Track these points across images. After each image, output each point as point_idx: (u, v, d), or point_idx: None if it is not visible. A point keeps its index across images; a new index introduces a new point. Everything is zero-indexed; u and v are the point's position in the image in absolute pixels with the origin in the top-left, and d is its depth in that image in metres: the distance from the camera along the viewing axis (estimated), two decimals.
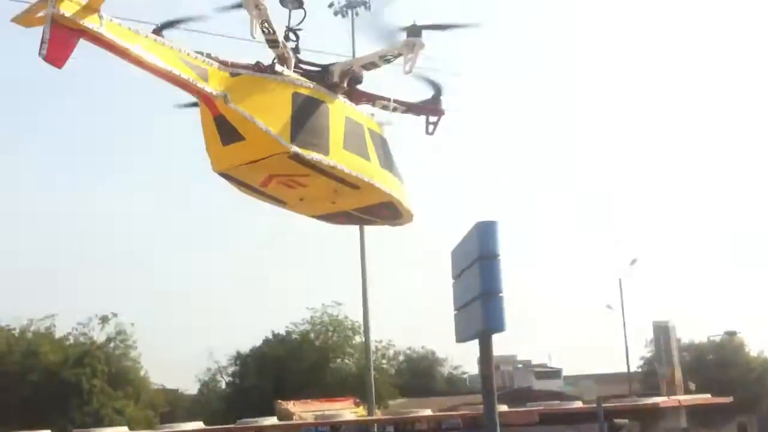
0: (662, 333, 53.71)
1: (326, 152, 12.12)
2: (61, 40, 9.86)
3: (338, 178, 12.51)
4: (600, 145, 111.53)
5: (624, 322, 53.57)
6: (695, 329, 79.27)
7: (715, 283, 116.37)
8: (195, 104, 12.44)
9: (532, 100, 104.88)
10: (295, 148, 11.69)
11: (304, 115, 11.94)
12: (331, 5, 30.26)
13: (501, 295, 6.82)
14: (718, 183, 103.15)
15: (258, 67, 12.12)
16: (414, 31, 12.57)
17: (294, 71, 12.66)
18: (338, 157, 12.32)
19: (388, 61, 13.07)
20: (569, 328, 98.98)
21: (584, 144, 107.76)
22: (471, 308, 7.28)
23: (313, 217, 14.05)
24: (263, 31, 11.95)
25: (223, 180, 12.68)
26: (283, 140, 11.65)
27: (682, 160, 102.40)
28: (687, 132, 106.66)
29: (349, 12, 28.50)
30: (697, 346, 69.49)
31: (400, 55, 12.99)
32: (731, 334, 67.88)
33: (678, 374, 49.20)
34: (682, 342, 62.51)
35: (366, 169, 12.88)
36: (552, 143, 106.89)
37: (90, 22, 10.07)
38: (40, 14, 9.90)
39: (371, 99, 13.56)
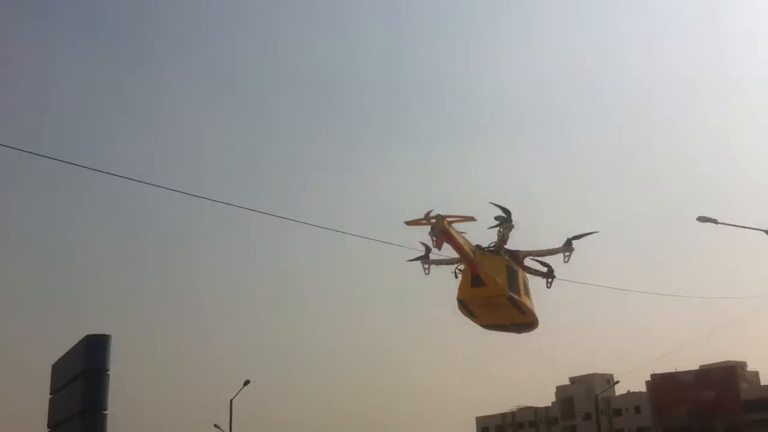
0: None
1: (519, 295, 19.84)
2: (442, 238, 17.92)
3: (520, 308, 20.12)
4: None
5: None
6: None
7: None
8: (418, 259, 21.02)
9: None
10: (509, 293, 19.44)
11: (511, 276, 19.56)
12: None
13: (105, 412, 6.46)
14: None
15: (490, 250, 19.85)
16: (570, 240, 20.09)
17: (503, 252, 20.07)
18: (524, 299, 20.10)
19: (542, 255, 20.90)
20: None
21: None
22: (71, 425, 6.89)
23: (487, 326, 21.48)
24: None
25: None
26: (505, 288, 19.35)
27: None
28: None
29: None
30: None
31: (558, 252, 20.36)
32: None
33: None
34: None
35: (530, 303, 20.52)
36: None
37: (451, 230, 18.06)
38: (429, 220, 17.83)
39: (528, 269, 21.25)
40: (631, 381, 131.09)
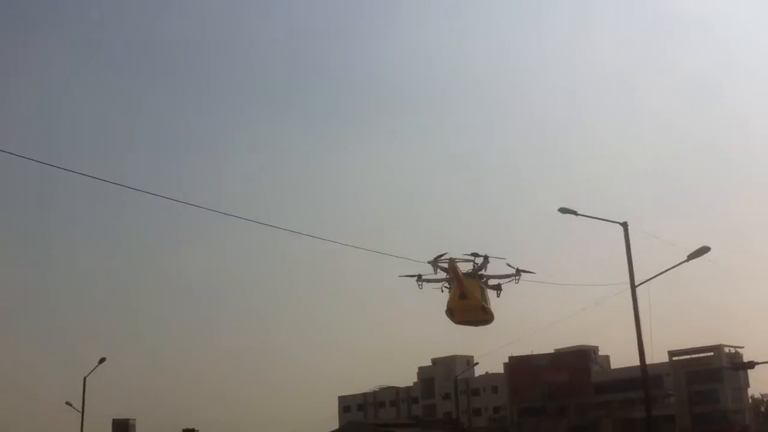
0: (121, 430, 56.44)
1: (487, 304, 26.97)
2: (451, 272, 25.88)
3: (487, 311, 27.10)
4: None
5: (82, 421, 52.42)
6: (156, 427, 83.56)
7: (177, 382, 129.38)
8: (410, 276, 26.84)
9: None
10: (482, 303, 26.58)
11: (482, 292, 26.64)
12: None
13: None
14: None
15: (469, 274, 26.56)
16: (518, 270, 26.75)
17: (477, 276, 26.81)
18: (488, 305, 27.07)
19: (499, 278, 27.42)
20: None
21: None
22: None
23: (460, 323, 27.86)
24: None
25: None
26: (480, 300, 26.46)
27: None
28: None
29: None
30: None
31: (510, 277, 27.05)
32: (189, 430, 74.08)
33: None
34: None
35: (490, 308, 27.28)
36: None
37: (456, 267, 25.97)
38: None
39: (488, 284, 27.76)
40: (490, 363, 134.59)
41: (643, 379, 29.78)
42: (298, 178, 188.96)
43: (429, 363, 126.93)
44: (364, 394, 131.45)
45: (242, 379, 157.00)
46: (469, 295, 25.97)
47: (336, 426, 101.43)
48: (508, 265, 26.58)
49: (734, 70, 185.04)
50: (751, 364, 41.77)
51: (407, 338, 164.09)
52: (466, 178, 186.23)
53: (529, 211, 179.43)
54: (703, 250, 28.16)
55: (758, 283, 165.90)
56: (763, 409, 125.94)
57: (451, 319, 27.05)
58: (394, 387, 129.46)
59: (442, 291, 26.56)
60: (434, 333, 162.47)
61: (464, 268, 26.35)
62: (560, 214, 29.02)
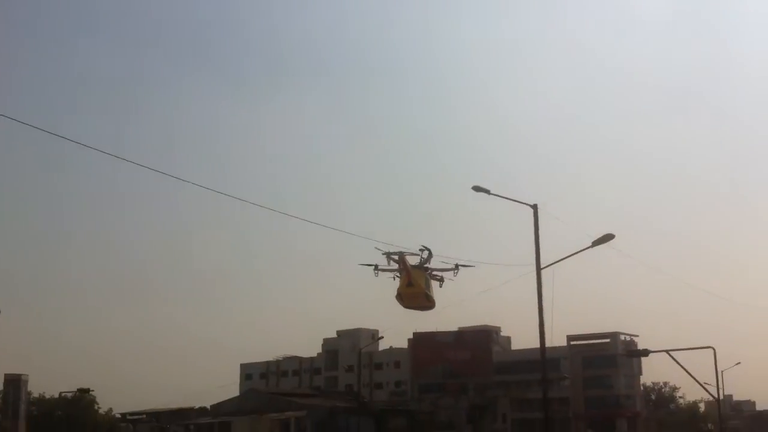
0: (13, 386, 55.38)
1: (430, 292, 31.79)
2: (401, 264, 31.16)
3: (430, 299, 31.96)
4: None
5: None
6: (48, 384, 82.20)
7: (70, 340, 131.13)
8: (369, 265, 31.41)
9: None
10: (425, 291, 31.41)
11: (426, 281, 31.41)
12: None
13: None
14: None
15: (416, 266, 31.27)
16: (457, 265, 32.05)
17: (422, 268, 31.66)
18: (431, 293, 31.90)
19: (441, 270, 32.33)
20: None
21: None
22: None
23: (408, 307, 32.42)
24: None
25: None
26: (425, 289, 31.32)
27: None
28: None
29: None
30: (48, 401, 72.41)
31: (450, 270, 32.20)
32: (84, 391, 71.08)
33: (23, 428, 50.88)
34: (32, 396, 65.02)
35: (433, 295, 32.14)
36: None
37: (406, 260, 31.02)
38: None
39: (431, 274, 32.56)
40: (395, 338, 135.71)
41: (542, 362, 30.09)
42: (210, 137, 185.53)
43: (334, 335, 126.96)
44: (267, 363, 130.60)
45: (144, 346, 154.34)
46: (414, 284, 30.83)
47: (237, 393, 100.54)
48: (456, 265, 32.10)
49: (626, 40, 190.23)
50: (645, 352, 42.78)
51: (314, 310, 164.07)
52: (381, 146, 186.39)
53: (444, 186, 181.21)
54: (608, 237, 28.47)
55: (658, 275, 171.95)
56: (653, 396, 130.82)
57: (400, 303, 32.02)
58: (298, 357, 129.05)
59: (394, 279, 31.38)
60: (341, 305, 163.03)
61: (413, 261, 31.22)
62: (473, 192, 28.82)
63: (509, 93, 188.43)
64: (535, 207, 28.98)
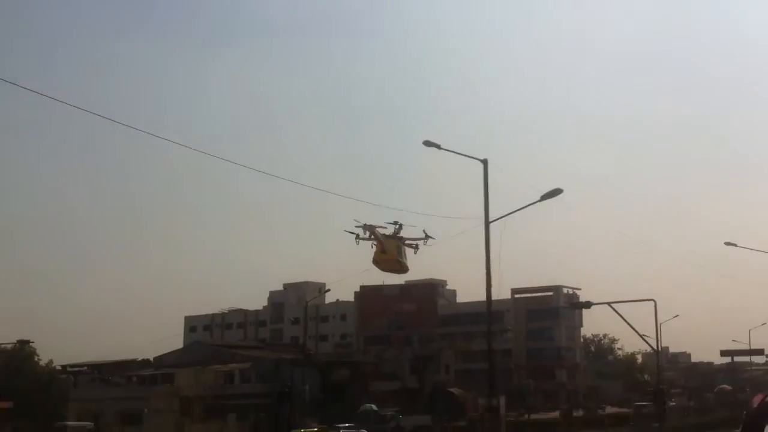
0: None
1: (402, 258, 35.14)
2: (371, 232, 34.54)
3: (402, 264, 35.38)
4: None
5: None
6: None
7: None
8: (352, 233, 34.49)
9: None
10: (398, 258, 34.82)
11: (399, 249, 35.26)
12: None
13: None
14: None
15: (389, 236, 34.64)
16: (426, 235, 35.06)
17: (395, 237, 34.78)
18: (404, 259, 35.22)
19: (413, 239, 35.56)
20: None
21: None
22: None
23: (384, 270, 36.12)
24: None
25: None
26: (397, 256, 34.79)
27: None
28: None
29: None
30: None
31: (421, 239, 35.20)
32: (23, 342, 71.75)
33: None
34: None
35: (405, 261, 35.46)
36: None
37: (376, 231, 34.51)
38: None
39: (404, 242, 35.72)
40: (343, 291, 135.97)
41: (488, 314, 30.32)
42: (157, 92, 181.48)
43: (281, 288, 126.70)
44: (212, 315, 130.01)
45: (86, 301, 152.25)
46: (387, 251, 35.26)
47: (180, 346, 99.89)
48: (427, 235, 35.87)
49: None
50: (588, 304, 43.59)
51: (260, 263, 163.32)
52: (333, 103, 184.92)
53: (395, 141, 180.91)
54: (556, 192, 28.55)
55: (604, 230, 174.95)
56: (593, 348, 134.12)
57: (377, 267, 36.10)
58: (243, 310, 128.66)
59: (372, 247, 35.39)
60: (288, 259, 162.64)
61: (389, 232, 35.49)
62: (425, 147, 28.56)
63: (469, 51, 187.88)
64: (485, 162, 28.90)
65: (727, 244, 43.72)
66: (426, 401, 77.97)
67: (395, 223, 35.54)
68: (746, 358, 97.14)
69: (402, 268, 36.45)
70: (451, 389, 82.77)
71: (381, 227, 34.68)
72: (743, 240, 43.78)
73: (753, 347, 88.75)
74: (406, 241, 35.54)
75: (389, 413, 68.38)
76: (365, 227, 34.57)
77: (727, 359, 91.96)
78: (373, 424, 62.96)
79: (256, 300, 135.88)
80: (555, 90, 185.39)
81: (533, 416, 72.23)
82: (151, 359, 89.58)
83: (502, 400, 29.90)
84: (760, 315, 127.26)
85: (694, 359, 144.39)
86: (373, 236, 34.65)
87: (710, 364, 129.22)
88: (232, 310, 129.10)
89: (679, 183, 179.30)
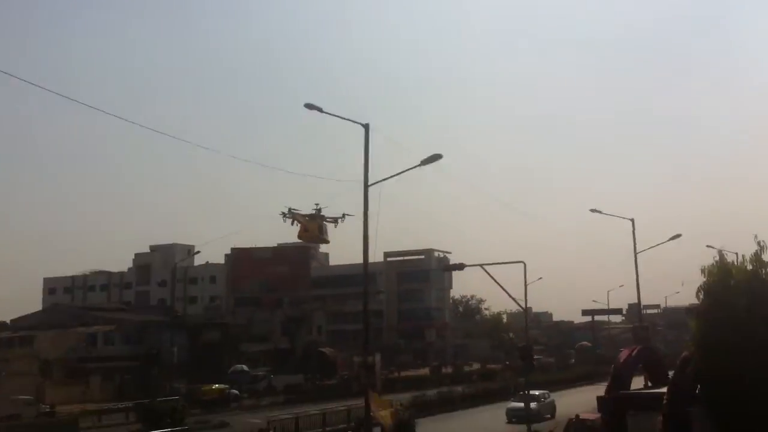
0: None
1: (323, 234, 45.33)
2: (296, 219, 44.12)
3: (322, 238, 46.05)
4: None
5: None
6: None
7: None
8: (287, 216, 43.26)
9: None
10: (319, 234, 45.39)
11: (320, 227, 44.31)
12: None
13: None
14: None
15: (311, 215, 44.81)
16: (344, 215, 43.37)
17: (318, 217, 44.10)
18: (325, 234, 45.44)
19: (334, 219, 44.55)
20: None
21: None
22: None
23: (308, 242, 54.09)
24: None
25: None
26: (317, 233, 44.97)
27: None
28: None
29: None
30: None
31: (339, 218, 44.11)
32: None
33: None
34: None
35: (326, 235, 45.38)
36: None
37: (297, 215, 44.48)
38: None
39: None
40: (214, 254, 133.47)
41: (365, 276, 29.93)
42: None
43: (147, 250, 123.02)
44: (73, 277, 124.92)
45: None
46: (309, 229, 42.51)
47: (39, 308, 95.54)
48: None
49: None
50: (461, 266, 44.05)
51: (125, 224, 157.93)
52: (222, 65, 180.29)
53: (279, 103, 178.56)
54: (435, 157, 28.43)
55: (479, 197, 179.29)
56: (461, 308, 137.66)
57: (303, 240, 43.98)
58: (106, 272, 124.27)
59: (294, 224, 42.82)
60: (154, 220, 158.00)
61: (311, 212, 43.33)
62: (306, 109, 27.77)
63: (359, 19, 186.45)
64: (366, 126, 28.46)
65: (593, 211, 45.29)
66: (298, 361, 78.10)
67: (317, 205, 44.29)
68: (605, 317, 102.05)
69: (323, 240, 45.78)
70: (323, 349, 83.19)
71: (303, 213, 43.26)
72: (608, 209, 45.31)
73: (611, 307, 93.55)
74: (327, 219, 43.31)
75: (260, 373, 68.60)
76: (287, 215, 42.71)
77: (588, 318, 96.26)
78: (244, 383, 62.94)
79: (121, 262, 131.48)
80: (444, 62, 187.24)
81: (404, 373, 74.59)
82: (8, 321, 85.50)
83: (378, 358, 30.08)
84: (619, 277, 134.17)
85: (555, 319, 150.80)
86: (294, 220, 42.52)
87: (571, 323, 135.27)
88: (95, 272, 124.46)
89: (549, 159, 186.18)
